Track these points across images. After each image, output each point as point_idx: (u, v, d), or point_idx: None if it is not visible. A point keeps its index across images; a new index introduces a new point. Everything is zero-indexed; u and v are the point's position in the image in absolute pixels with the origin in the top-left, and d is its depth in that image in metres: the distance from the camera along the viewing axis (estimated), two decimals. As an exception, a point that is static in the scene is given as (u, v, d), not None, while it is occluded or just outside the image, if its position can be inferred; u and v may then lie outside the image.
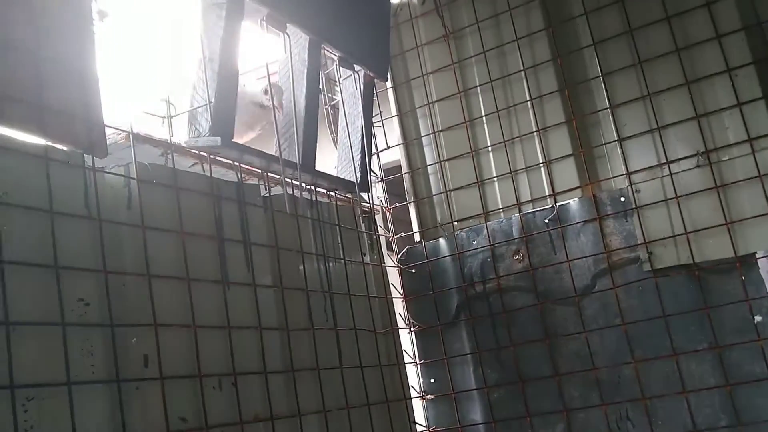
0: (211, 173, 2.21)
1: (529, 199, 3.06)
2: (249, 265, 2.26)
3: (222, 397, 2.02)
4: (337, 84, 2.96)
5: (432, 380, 3.11)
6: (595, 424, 2.81)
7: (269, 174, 2.45)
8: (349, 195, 2.91)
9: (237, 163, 2.33)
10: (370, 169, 2.98)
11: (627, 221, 2.84)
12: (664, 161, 2.82)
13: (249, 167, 2.39)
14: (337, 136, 3.06)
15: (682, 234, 2.73)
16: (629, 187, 2.85)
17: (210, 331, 2.03)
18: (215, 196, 2.21)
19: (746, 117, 2.71)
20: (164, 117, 2.25)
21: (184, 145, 2.18)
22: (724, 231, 2.67)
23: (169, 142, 2.12)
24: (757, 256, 2.63)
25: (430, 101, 3.29)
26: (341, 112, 2.94)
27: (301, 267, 2.52)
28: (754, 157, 2.66)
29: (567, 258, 2.91)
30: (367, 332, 2.79)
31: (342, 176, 2.88)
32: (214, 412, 1.97)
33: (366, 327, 2.79)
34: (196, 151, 2.20)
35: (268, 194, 2.42)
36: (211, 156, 2.24)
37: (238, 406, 2.05)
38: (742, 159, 2.70)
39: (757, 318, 2.62)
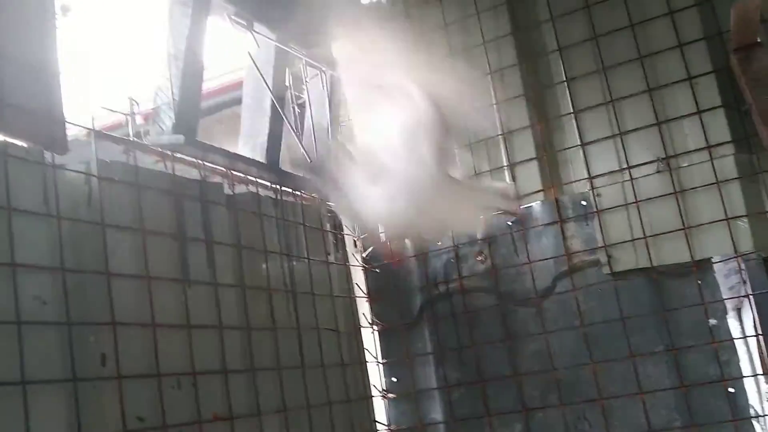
0: (173, 171, 2.20)
1: (493, 201, 3.09)
2: (211, 264, 2.25)
3: (181, 397, 2.01)
4: (304, 83, 2.96)
5: (394, 379, 3.13)
6: (553, 423, 2.85)
7: (233, 172, 2.44)
8: (315, 194, 2.91)
9: (200, 161, 2.32)
10: (336, 169, 2.99)
11: (588, 225, 2.88)
12: (625, 166, 2.86)
13: (212, 165, 2.38)
14: (303, 134, 3.06)
15: (641, 238, 2.78)
16: (591, 191, 2.89)
17: (170, 329, 2.03)
18: (177, 194, 2.20)
19: (705, 124, 2.76)
20: (127, 114, 2.24)
21: (147, 142, 2.17)
22: (681, 236, 2.72)
23: (131, 139, 2.11)
24: (713, 260, 2.69)
25: (397, 102, 3.30)
26: (308, 111, 2.94)
27: (265, 266, 2.52)
28: (712, 164, 2.72)
29: (528, 260, 2.95)
30: (331, 331, 2.79)
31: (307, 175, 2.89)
32: (173, 412, 1.96)
33: (329, 326, 2.79)
34: (159, 149, 2.19)
35: (231, 193, 2.42)
36: (174, 154, 2.23)
37: (197, 406, 2.04)
38: (700, 165, 2.75)
39: (712, 321, 2.68)
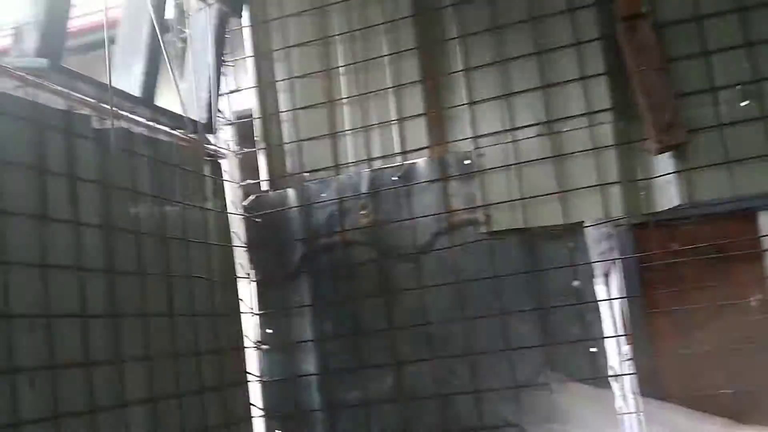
0: (36, 99, 2.03)
1: (380, 155, 3.06)
2: (74, 201, 2.10)
3: (34, 340, 1.87)
4: (187, 17, 2.80)
5: (269, 331, 3.08)
6: (424, 377, 2.89)
7: (103, 105, 2.28)
8: (194, 135, 2.78)
9: (66, 90, 2.15)
10: (219, 111, 2.86)
11: (469, 184, 2.90)
12: (509, 128, 2.89)
13: (80, 96, 2.20)
14: (183, 71, 2.90)
15: (518, 199, 2.83)
16: (474, 151, 2.91)
17: (23, 268, 1.88)
18: (39, 123, 2.02)
19: (588, 91, 2.82)
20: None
21: (7, 64, 1.99)
22: (556, 199, 2.79)
23: (-12, 60, 1.93)
24: (585, 224, 2.78)
25: (287, 46, 3.19)
26: (190, 47, 2.79)
27: (135, 208, 2.38)
28: (591, 131, 2.79)
29: (410, 216, 2.94)
30: (204, 280, 2.70)
31: (186, 115, 2.75)
32: (24, 356, 1.82)
33: (204, 275, 2.69)
34: (21, 73, 2.01)
35: (100, 126, 2.26)
36: (38, 80, 2.05)
37: (51, 350, 1.91)
38: (580, 131, 2.82)
39: (580, 283, 2.77)
